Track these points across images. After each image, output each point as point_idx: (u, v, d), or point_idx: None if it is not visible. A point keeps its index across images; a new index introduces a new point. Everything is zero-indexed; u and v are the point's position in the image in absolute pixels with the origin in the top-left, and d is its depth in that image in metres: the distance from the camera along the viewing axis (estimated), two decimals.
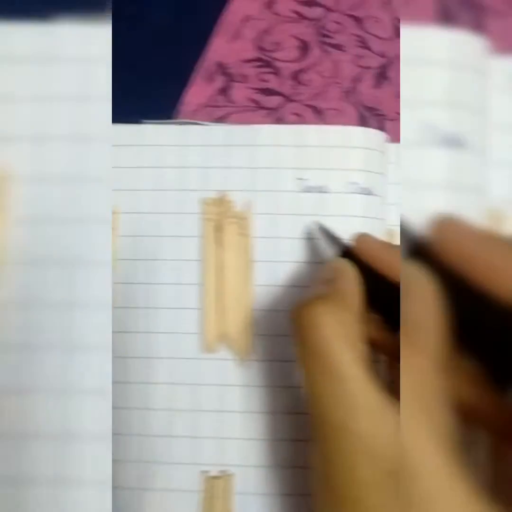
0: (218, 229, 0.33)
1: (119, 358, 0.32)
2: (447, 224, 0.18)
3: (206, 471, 0.31)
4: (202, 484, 0.31)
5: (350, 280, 0.22)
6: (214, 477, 0.31)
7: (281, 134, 0.34)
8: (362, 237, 0.25)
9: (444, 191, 0.30)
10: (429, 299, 0.16)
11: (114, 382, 0.32)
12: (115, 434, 0.31)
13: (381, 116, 0.39)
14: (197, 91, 0.40)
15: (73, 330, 0.29)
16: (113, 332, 0.32)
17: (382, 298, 0.20)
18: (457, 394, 0.18)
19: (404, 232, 0.20)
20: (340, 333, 0.21)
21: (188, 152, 0.34)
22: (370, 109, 0.39)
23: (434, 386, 0.17)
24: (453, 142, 0.29)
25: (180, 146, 0.34)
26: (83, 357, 0.30)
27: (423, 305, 0.16)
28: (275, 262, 0.33)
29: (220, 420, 0.32)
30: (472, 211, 0.29)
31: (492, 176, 0.29)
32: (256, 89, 0.40)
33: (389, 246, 0.23)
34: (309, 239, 0.32)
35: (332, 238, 0.29)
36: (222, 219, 0.33)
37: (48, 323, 0.28)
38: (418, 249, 0.17)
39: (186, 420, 0.32)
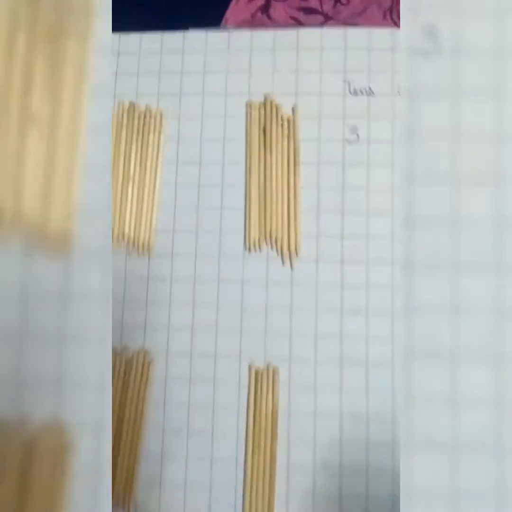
0: (264, 132, 0.34)
1: (166, 255, 0.33)
2: None
3: (253, 364, 0.32)
4: (249, 377, 0.32)
5: None
6: (261, 370, 0.32)
7: (327, 36, 0.35)
8: None
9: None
10: None
11: (160, 279, 0.33)
12: (163, 327, 0.32)
13: None
14: (239, 8, 0.40)
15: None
16: (160, 231, 0.33)
17: None
18: None
19: None
20: None
21: (233, 57, 0.35)
22: None
23: None
24: None
25: (225, 51, 0.35)
26: None
27: None
28: (320, 164, 0.33)
29: (265, 316, 0.32)
30: None
31: None
32: (296, 8, 0.40)
33: None
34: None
35: None
36: (268, 122, 0.34)
37: None
38: None
39: (232, 315, 0.33)
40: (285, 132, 0.33)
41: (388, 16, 0.40)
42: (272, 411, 0.31)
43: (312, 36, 0.34)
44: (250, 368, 0.32)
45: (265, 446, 0.31)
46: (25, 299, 0.23)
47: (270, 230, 0.33)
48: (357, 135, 0.33)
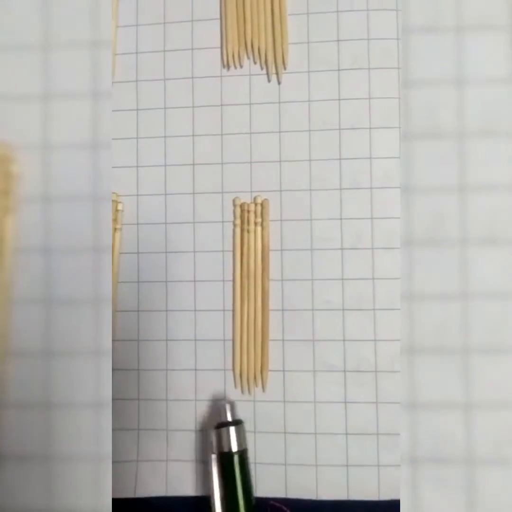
0: None
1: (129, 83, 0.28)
2: None
3: (238, 198, 0.27)
4: (234, 212, 0.27)
5: None
6: (247, 204, 0.27)
7: None
8: None
9: None
10: None
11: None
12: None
13: None
14: None
15: None
16: (119, 54, 0.28)
17: None
18: None
19: None
20: None
21: None
22: None
23: None
24: None
25: None
26: None
27: None
28: None
29: (250, 143, 0.27)
30: None
31: None
32: None
33: None
34: None
35: None
36: None
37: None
38: None
39: (210, 146, 0.28)
40: None
41: None
42: (263, 248, 0.27)
43: None
44: (234, 202, 0.27)
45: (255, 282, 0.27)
46: None
47: (251, 39, 0.28)
48: None
